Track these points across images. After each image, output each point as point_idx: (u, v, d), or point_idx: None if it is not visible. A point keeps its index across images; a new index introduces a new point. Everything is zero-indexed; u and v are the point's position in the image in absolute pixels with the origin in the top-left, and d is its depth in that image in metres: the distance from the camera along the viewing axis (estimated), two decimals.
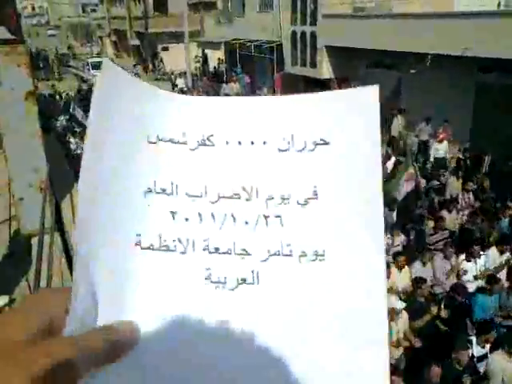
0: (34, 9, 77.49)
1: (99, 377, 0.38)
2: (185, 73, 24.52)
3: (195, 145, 0.45)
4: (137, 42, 37.18)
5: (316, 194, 0.43)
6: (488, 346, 4.91)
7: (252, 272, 0.43)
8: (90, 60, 29.31)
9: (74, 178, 4.33)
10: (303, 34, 17.48)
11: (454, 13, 13.02)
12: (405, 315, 5.26)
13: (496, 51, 10.16)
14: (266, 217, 0.44)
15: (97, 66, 27.59)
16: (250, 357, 0.42)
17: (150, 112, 0.45)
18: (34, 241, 3.35)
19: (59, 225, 3.55)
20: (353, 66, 15.84)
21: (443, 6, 13.73)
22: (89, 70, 27.78)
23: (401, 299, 5.43)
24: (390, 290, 5.57)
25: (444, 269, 6.25)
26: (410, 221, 7.67)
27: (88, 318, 0.40)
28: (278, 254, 0.43)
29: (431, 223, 7.29)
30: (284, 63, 18.95)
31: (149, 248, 0.44)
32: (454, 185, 8.89)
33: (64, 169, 4.65)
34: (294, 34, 18.05)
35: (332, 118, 0.44)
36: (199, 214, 0.44)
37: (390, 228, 6.83)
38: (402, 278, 6.01)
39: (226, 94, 19.39)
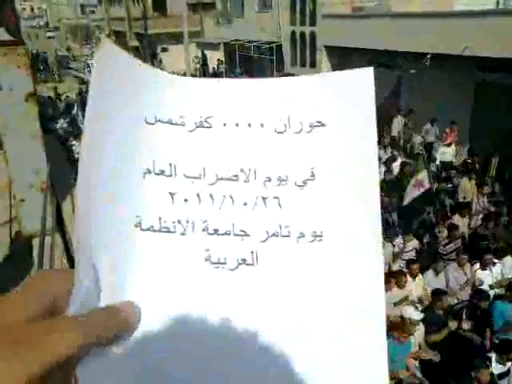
0: (32, 10, 77.64)
1: (96, 360, 0.38)
2: (184, 74, 24.57)
3: (193, 126, 0.46)
4: (136, 42, 37.25)
5: (313, 176, 0.44)
6: (509, 363, 4.67)
7: (251, 253, 0.44)
8: (90, 61, 29.36)
9: (75, 178, 4.34)
10: (302, 34, 17.51)
11: (454, 12, 13.04)
12: (422, 327, 5.07)
13: (496, 50, 10.18)
14: (264, 198, 0.44)
15: None
16: (249, 338, 0.42)
17: (148, 93, 0.45)
18: (35, 242, 3.35)
19: (60, 226, 3.55)
20: (352, 66, 15.48)
21: (443, 6, 13.75)
22: (89, 71, 27.82)
23: (417, 308, 5.22)
24: (405, 300, 5.41)
25: (458, 279, 6.02)
26: (421, 226, 7.41)
27: (90, 299, 0.40)
28: (277, 235, 0.44)
29: (445, 231, 6.93)
30: (283, 63, 18.98)
31: (149, 229, 0.45)
32: (466, 187, 8.46)
33: (65, 169, 4.66)
34: (293, 34, 18.09)
35: (328, 100, 0.45)
36: (198, 196, 0.45)
37: (399, 233, 6.69)
38: (416, 287, 5.85)
39: None
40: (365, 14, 15.08)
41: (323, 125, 0.44)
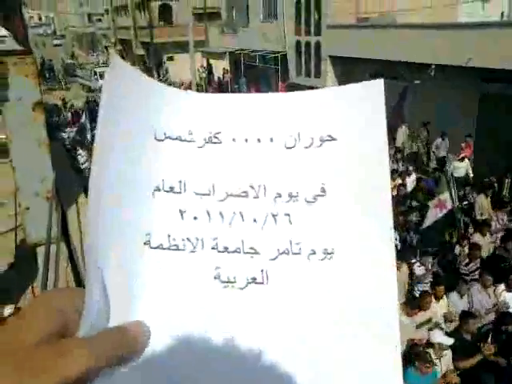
0: (40, 19, 78.22)
1: (106, 380, 0.38)
2: (190, 83, 24.62)
3: (202, 142, 0.45)
4: (142, 51, 37.47)
5: (324, 191, 0.43)
6: None
7: (261, 271, 0.43)
8: (97, 69, 29.45)
9: (80, 186, 4.35)
10: (307, 44, 17.58)
11: (458, 23, 13.07)
12: (449, 353, 4.71)
13: (499, 61, 10.18)
14: (274, 215, 0.44)
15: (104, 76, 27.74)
16: (257, 358, 0.42)
17: (158, 109, 0.45)
18: (40, 250, 3.35)
19: (65, 234, 3.56)
20: (357, 76, 15.87)
21: (447, 17, 13.78)
22: (96, 79, 27.92)
23: (445, 332, 4.96)
24: (428, 322, 5.08)
25: (482, 301, 5.68)
26: (440, 247, 7.07)
27: (100, 319, 0.40)
28: (287, 253, 0.43)
29: (465, 249, 6.61)
30: (288, 73, 19.04)
31: (158, 247, 0.44)
32: (483, 204, 8.15)
33: (70, 177, 4.67)
34: (298, 44, 18.15)
35: (338, 114, 0.44)
36: (207, 213, 0.44)
37: (419, 255, 6.43)
38: (441, 308, 5.55)
39: None
40: (370, 25, 15.13)
41: (334, 139, 0.43)
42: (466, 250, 6.60)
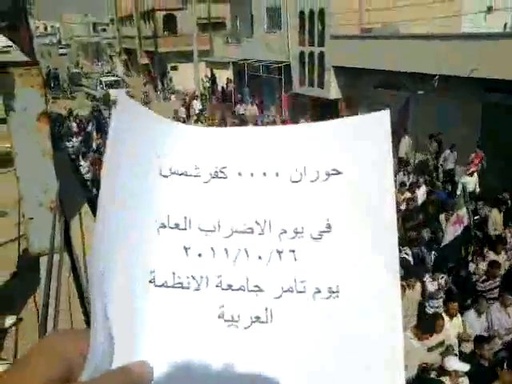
0: (46, 28, 79.02)
1: None
2: (195, 94, 24.74)
3: (208, 177, 0.45)
4: (146, 60, 37.74)
5: (329, 227, 0.42)
6: None
7: (265, 310, 0.43)
8: (103, 78, 29.61)
9: (83, 197, 4.36)
10: (311, 54, 17.66)
11: (461, 34, 13.13)
12: (466, 380, 4.40)
13: (503, 72, 10.20)
14: (279, 251, 0.43)
15: (110, 85, 27.94)
16: None
17: (163, 145, 0.45)
18: (43, 260, 3.35)
19: (68, 244, 3.56)
20: (361, 87, 15.95)
21: (450, 28, 13.85)
22: (102, 88, 28.08)
23: (461, 354, 4.72)
24: (441, 345, 4.81)
25: (501, 320, 5.38)
26: (456, 263, 6.83)
27: (105, 360, 0.40)
28: (292, 291, 0.42)
29: (479, 266, 6.40)
30: (292, 83, 19.11)
31: (163, 285, 0.44)
32: (497, 220, 7.94)
33: (74, 187, 4.68)
34: (301, 54, 18.24)
35: (344, 147, 0.43)
36: (212, 249, 0.44)
37: (432, 271, 6.22)
38: (454, 328, 5.26)
39: (241, 115, 19.52)
40: (373, 35, 15.21)
41: (339, 173, 0.43)
42: (482, 266, 6.39)
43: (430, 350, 4.73)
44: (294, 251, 0.43)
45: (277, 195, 0.44)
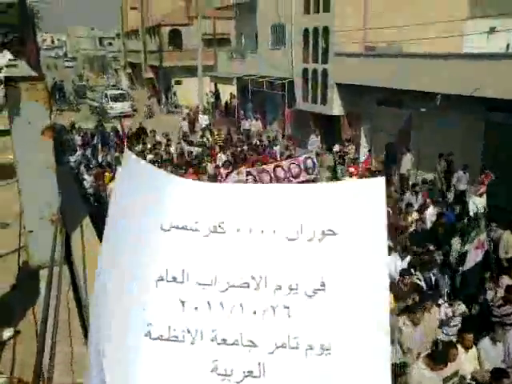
0: (53, 41, 79.90)
1: None
2: (198, 108, 24.83)
3: (207, 232, 0.46)
4: (151, 74, 38.03)
5: (323, 285, 0.43)
6: None
7: (258, 364, 0.44)
8: (108, 92, 29.74)
9: (85, 211, 4.36)
10: (315, 71, 17.79)
11: (464, 54, 13.24)
12: None
13: (505, 92, 10.25)
14: (273, 307, 0.44)
15: (115, 98, 28.04)
16: None
17: (165, 200, 0.46)
18: (43, 273, 3.35)
19: (68, 257, 3.56)
20: (363, 104, 16.03)
21: (453, 47, 13.96)
22: (107, 101, 28.19)
23: None
24: (455, 375, 4.56)
25: None
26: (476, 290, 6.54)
27: None
28: (285, 347, 0.43)
29: (498, 291, 6.16)
30: (295, 99, 19.22)
31: (158, 338, 0.44)
32: (509, 242, 7.74)
33: (76, 201, 4.69)
34: (305, 71, 18.37)
35: (340, 209, 0.45)
36: (208, 303, 0.45)
37: (448, 297, 6.03)
38: (469, 361, 4.94)
39: (246, 130, 19.53)
40: (376, 54, 15.34)
41: (335, 233, 0.44)
42: (499, 291, 6.17)
43: (444, 381, 4.47)
44: (288, 307, 0.44)
45: (273, 252, 0.44)
